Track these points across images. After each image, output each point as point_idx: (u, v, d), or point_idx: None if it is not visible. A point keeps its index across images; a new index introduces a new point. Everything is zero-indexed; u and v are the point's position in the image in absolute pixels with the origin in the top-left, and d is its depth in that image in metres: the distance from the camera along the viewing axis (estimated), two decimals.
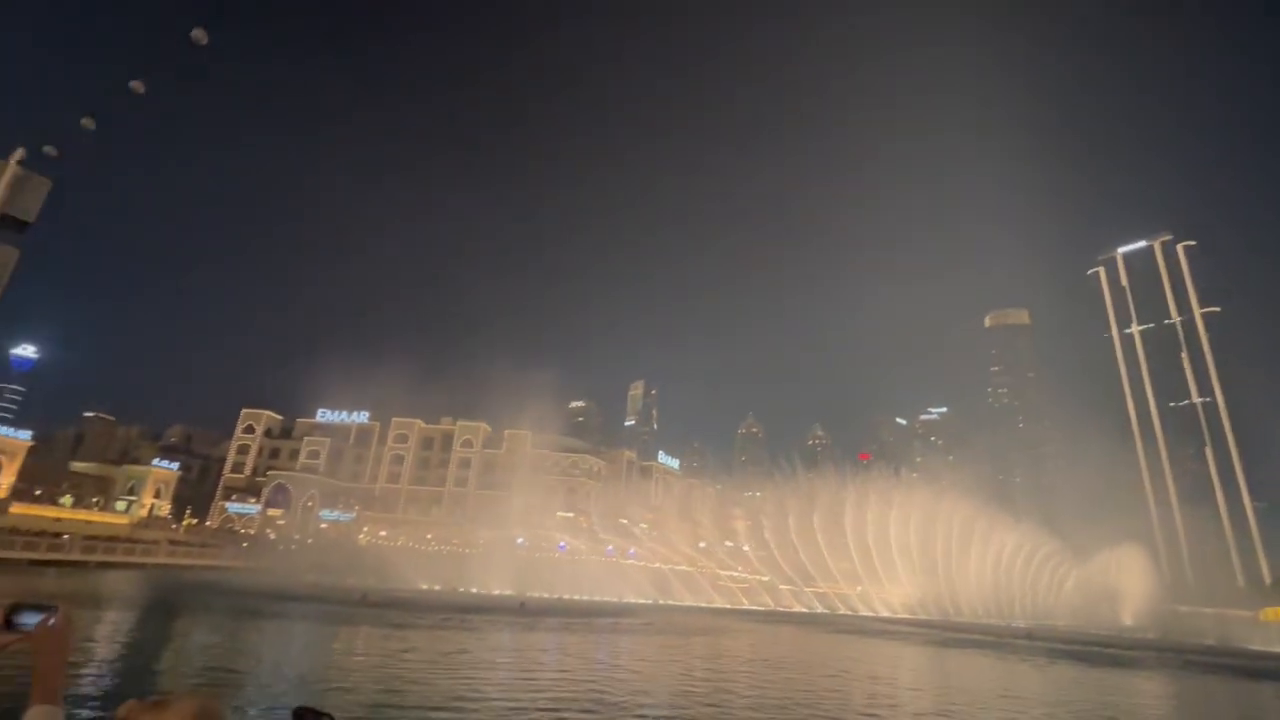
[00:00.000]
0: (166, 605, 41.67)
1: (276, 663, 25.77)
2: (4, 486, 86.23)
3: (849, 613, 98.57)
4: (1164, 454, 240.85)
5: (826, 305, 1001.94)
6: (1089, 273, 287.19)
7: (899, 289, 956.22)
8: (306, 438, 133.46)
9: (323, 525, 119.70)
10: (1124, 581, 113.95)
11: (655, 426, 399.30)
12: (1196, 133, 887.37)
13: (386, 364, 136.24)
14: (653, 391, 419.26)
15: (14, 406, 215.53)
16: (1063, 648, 56.86)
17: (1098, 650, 56.28)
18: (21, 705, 2.20)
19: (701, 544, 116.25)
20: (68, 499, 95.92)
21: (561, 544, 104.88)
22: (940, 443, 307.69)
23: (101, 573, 58.71)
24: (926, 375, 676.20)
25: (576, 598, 77.84)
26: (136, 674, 21.31)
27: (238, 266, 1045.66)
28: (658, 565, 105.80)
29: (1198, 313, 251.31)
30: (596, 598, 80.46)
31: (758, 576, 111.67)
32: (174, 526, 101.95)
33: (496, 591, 76.59)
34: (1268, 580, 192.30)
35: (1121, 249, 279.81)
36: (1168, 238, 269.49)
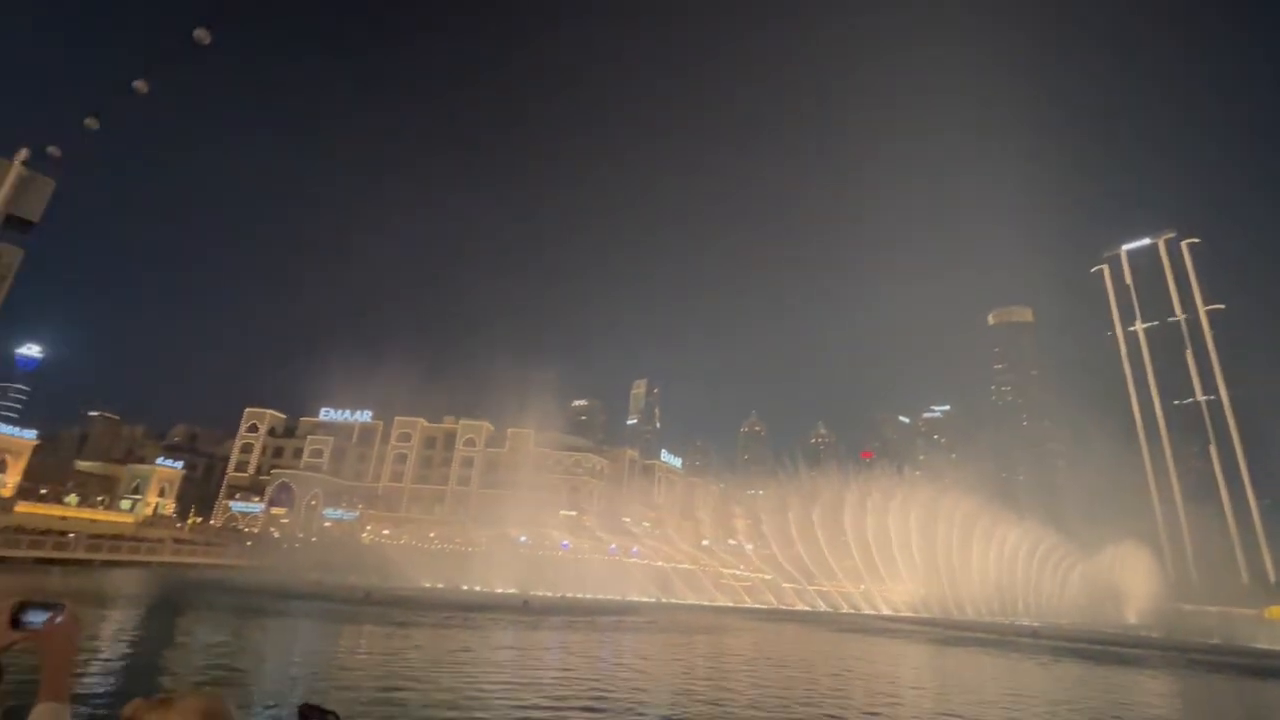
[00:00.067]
0: (171, 603, 41.82)
1: (280, 661, 25.88)
2: (10, 485, 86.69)
3: (852, 611, 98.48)
4: (1168, 452, 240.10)
5: (828, 304, 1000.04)
6: (1093, 270, 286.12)
7: (901, 287, 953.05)
8: (310, 436, 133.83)
9: (326, 524, 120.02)
10: (1128, 580, 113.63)
11: (658, 425, 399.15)
12: (1199, 130, 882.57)
13: (388, 363, 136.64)
14: (655, 390, 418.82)
15: (19, 406, 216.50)
16: (1066, 646, 56.68)
17: (1101, 649, 56.07)
18: (29, 703, 2.22)
19: (704, 542, 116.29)
20: (73, 498, 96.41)
21: (565, 542, 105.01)
22: (943, 441, 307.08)
23: (106, 571, 58.99)
24: (929, 373, 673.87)
25: (579, 596, 77.90)
26: (142, 672, 21.41)
27: (238, 266, 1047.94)
28: (660, 564, 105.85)
29: (1202, 310, 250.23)
30: (599, 596, 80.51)
31: (760, 575, 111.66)
32: (178, 525, 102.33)
33: (499, 590, 76.70)
34: (1272, 578, 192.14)
35: (1125, 246, 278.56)
36: (1172, 235, 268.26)
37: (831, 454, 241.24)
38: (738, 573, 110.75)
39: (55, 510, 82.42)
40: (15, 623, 2.27)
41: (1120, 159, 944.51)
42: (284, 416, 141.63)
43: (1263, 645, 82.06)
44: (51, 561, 58.21)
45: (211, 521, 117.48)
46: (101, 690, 17.41)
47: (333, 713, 2.38)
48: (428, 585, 76.86)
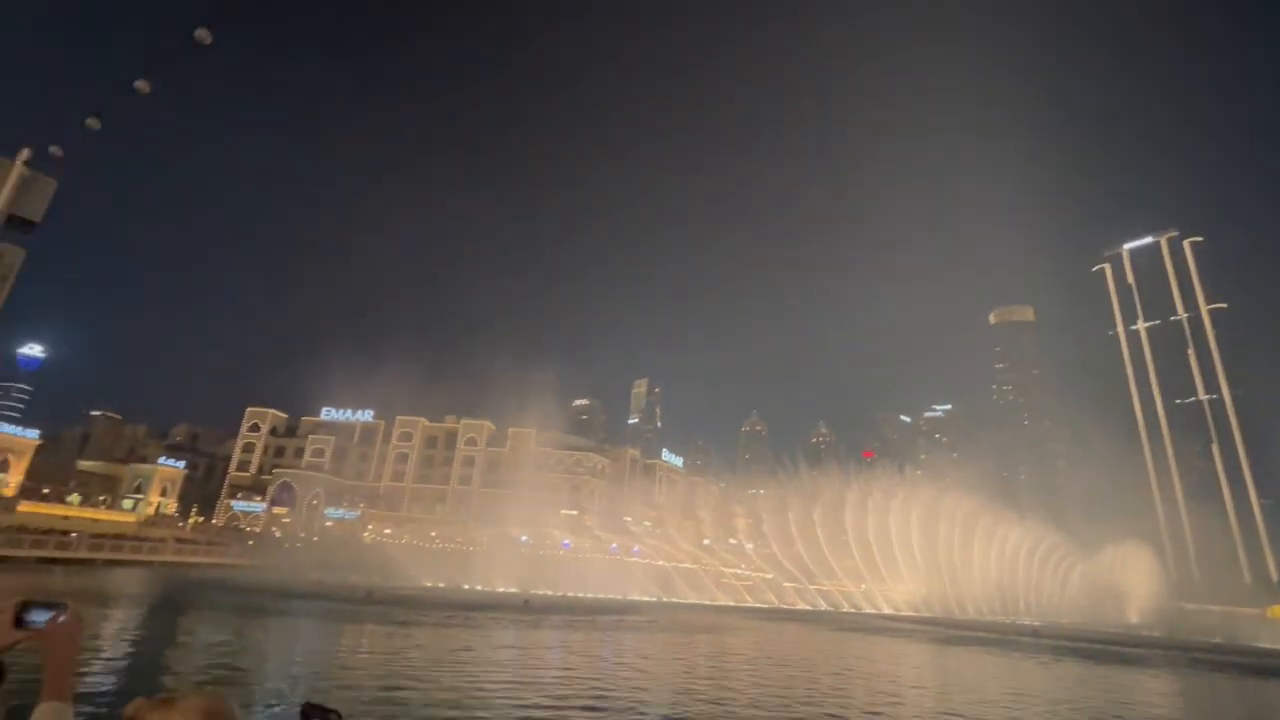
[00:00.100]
0: (173, 603, 41.88)
1: (282, 660, 25.92)
2: (12, 485, 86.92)
3: (853, 610, 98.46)
4: (1170, 451, 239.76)
5: (829, 303, 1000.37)
6: (1094, 269, 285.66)
7: (902, 287, 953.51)
8: (311, 436, 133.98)
9: (328, 523, 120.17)
10: (1130, 579, 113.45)
11: (659, 424, 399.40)
12: (1200, 130, 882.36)
13: (389, 363, 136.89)
14: (656, 390, 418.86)
15: (21, 405, 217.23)
16: (1068, 645, 56.64)
17: (1103, 648, 56.04)
18: (31, 703, 2.22)
19: (705, 541, 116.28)
20: (75, 497, 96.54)
21: (566, 542, 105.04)
22: (945, 440, 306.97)
23: (108, 570, 59.08)
24: (930, 373, 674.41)
25: (581, 595, 77.90)
26: (144, 671, 21.44)
27: (238, 266, 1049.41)
28: (662, 563, 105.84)
29: (1204, 309, 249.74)
30: (600, 595, 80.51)
31: (761, 574, 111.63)
32: (180, 524, 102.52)
33: (500, 589, 76.73)
34: (1274, 577, 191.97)
35: (1127, 245, 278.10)
36: (1174, 234, 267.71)
37: (832, 453, 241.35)
38: (739, 572, 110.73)
39: (57, 510, 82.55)
40: (18, 622, 2.28)
41: (1120, 159, 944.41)
42: (285, 416, 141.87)
43: (1265, 644, 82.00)
44: (54, 561, 58.30)
45: (213, 521, 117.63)
46: (104, 689, 17.44)
47: (335, 711, 2.38)
48: (429, 584, 76.89)
